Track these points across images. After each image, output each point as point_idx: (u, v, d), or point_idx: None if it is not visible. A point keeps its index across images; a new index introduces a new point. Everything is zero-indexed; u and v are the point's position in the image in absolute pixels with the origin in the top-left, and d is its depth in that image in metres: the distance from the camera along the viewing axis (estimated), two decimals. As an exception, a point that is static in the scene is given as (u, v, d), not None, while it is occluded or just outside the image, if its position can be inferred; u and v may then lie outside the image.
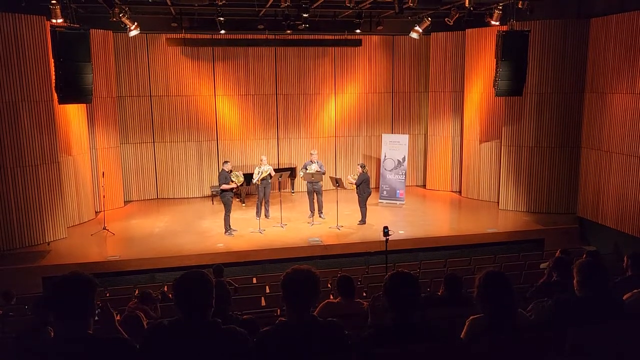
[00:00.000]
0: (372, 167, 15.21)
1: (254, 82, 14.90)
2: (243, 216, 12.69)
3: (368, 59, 15.47)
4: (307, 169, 12.07)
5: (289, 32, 12.74)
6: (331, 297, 6.37)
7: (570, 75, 12.20)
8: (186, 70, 14.45)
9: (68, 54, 9.12)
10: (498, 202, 13.52)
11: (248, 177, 12.60)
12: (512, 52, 10.70)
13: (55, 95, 9.95)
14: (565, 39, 12.11)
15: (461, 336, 3.09)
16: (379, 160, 14.97)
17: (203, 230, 11.84)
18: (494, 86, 11.12)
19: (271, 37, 14.11)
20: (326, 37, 14.48)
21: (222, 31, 12.68)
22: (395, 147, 14.21)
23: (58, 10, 9.23)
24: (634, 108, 10.65)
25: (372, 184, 14.18)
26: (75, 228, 11.98)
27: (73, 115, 12.21)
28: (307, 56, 15.09)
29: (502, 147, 13.26)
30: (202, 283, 2.69)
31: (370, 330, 2.94)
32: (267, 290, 8.36)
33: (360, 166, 11.98)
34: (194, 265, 9.64)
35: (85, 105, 12.02)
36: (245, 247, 10.74)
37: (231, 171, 11.43)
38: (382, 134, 14.93)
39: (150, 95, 14.39)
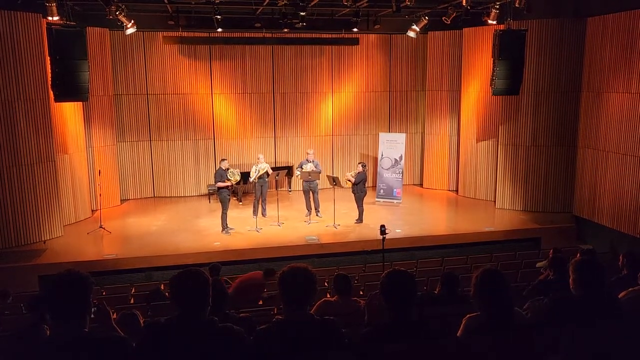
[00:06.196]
0: (369, 166, 15.16)
1: (251, 81, 14.87)
2: (240, 215, 12.67)
3: (365, 58, 15.46)
4: (302, 168, 12.07)
5: (286, 30, 12.72)
6: (328, 295, 6.38)
7: (567, 74, 12.22)
8: (183, 69, 14.41)
9: (64, 52, 9.09)
10: (495, 201, 13.55)
11: (245, 175, 12.59)
12: (509, 51, 10.73)
13: (51, 94, 9.92)
14: (562, 38, 12.13)
15: (458, 334, 3.09)
16: (376, 159, 14.98)
17: (200, 229, 11.82)
18: (491, 85, 11.14)
19: (268, 35, 14.08)
20: (323, 35, 14.44)
21: (219, 29, 12.65)
22: (392, 145, 14.21)
23: (54, 8, 9.19)
24: (629, 107, 10.67)
25: (369, 183, 14.18)
26: (71, 226, 11.95)
27: (69, 114, 12.17)
28: (304, 55, 15.07)
29: (499, 146, 13.29)
30: (199, 281, 2.69)
31: (367, 328, 2.95)
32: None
33: (362, 165, 11.97)
34: (190, 263, 9.54)
35: (81, 103, 12.00)
36: (242, 246, 10.73)
37: (228, 169, 11.42)
38: (379, 133, 14.93)
39: (147, 94, 14.35)
